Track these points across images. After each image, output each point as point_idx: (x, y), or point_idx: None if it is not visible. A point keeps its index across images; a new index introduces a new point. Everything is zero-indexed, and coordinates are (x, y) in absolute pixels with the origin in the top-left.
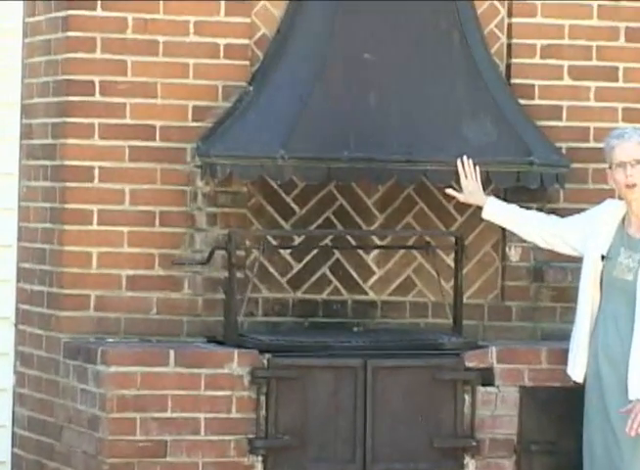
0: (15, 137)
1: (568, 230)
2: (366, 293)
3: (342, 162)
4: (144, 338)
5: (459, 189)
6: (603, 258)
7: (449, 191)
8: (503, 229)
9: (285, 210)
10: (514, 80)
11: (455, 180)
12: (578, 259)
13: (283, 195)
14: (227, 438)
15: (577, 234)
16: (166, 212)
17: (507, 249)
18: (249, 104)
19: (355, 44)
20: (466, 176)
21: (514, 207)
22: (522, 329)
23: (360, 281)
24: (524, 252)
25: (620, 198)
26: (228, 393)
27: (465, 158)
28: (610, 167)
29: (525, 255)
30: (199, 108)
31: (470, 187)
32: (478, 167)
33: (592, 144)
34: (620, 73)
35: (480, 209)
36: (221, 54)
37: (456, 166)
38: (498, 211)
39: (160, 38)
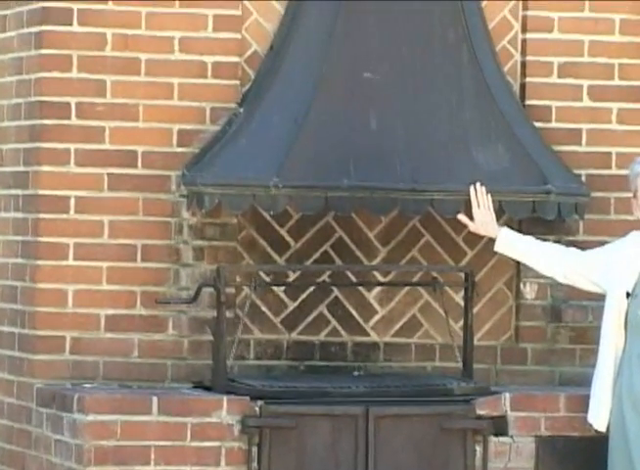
0: None
1: (589, 265)
2: (367, 334)
3: (341, 190)
4: (124, 383)
5: (470, 218)
6: (628, 295)
7: (461, 217)
8: (517, 264)
9: (279, 243)
10: (529, 101)
11: (465, 210)
12: (600, 297)
13: (276, 227)
14: None
15: (600, 269)
16: (149, 246)
17: (522, 285)
18: (239, 127)
19: (355, 61)
20: (478, 205)
21: (530, 238)
22: (538, 373)
23: (361, 321)
24: (540, 289)
25: None
26: (217, 443)
27: (478, 185)
28: (634, 196)
29: (542, 292)
30: (184, 132)
31: (482, 217)
32: (490, 196)
33: (614, 171)
34: None
35: (492, 241)
36: (209, 73)
37: (465, 195)
38: (512, 244)
39: (143, 56)
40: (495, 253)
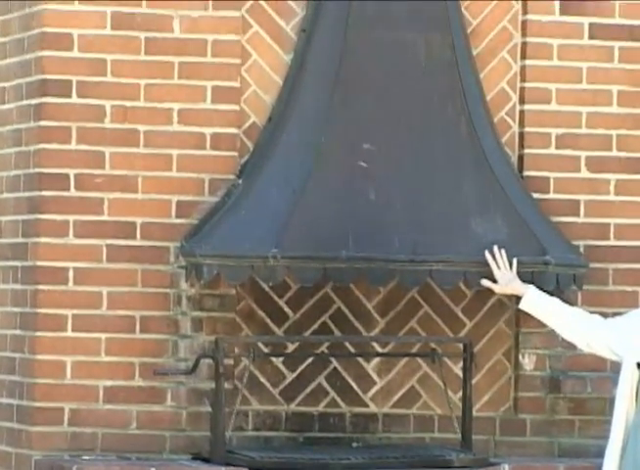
0: None
1: (609, 334)
2: (366, 405)
3: (339, 261)
4: (123, 455)
5: (465, 292)
6: (639, 365)
7: (484, 282)
8: (516, 335)
9: (277, 314)
10: (527, 172)
11: (463, 281)
12: (598, 369)
13: (275, 298)
14: None
15: (618, 338)
16: (148, 318)
17: (520, 356)
18: (238, 198)
19: (353, 132)
20: (499, 267)
21: (557, 301)
22: (537, 444)
23: (360, 392)
24: (538, 360)
25: None
26: None
27: (495, 248)
28: None
29: (541, 363)
30: (183, 203)
31: (506, 277)
32: (504, 255)
33: (612, 242)
34: None
35: (491, 312)
36: (208, 144)
37: (465, 266)
38: (539, 304)
39: (141, 127)
40: (493, 324)
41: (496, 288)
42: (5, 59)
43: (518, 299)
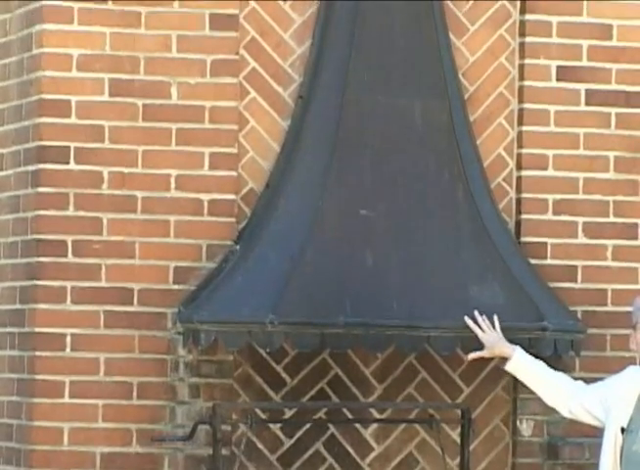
0: None
1: (591, 399)
2: None
3: (337, 327)
4: None
5: (463, 358)
6: (623, 430)
7: (473, 355)
8: (514, 401)
9: (275, 380)
10: (524, 238)
11: (461, 347)
12: (596, 435)
13: (273, 364)
14: None
15: (600, 404)
16: (145, 384)
17: (518, 422)
18: (235, 265)
19: (351, 198)
20: (483, 330)
21: (542, 364)
22: None
23: (358, 458)
24: (536, 426)
25: None
26: None
27: (477, 314)
28: (634, 329)
29: (538, 429)
30: (181, 269)
31: (491, 339)
32: (486, 318)
33: (610, 308)
34: None
35: (488, 378)
36: (205, 210)
37: (462, 333)
38: (524, 367)
39: (139, 194)
40: (492, 390)
41: (485, 353)
42: (3, 125)
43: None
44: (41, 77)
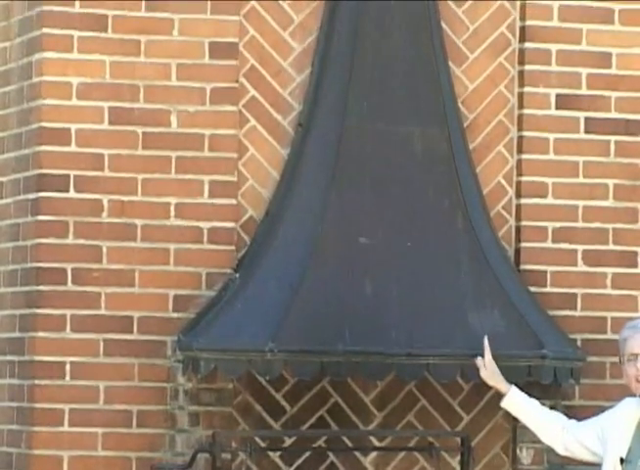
0: None
1: (586, 434)
2: None
3: (336, 355)
4: None
5: (462, 385)
6: (622, 461)
7: (478, 361)
8: (514, 429)
9: (274, 408)
10: (523, 266)
11: (460, 375)
12: (597, 463)
13: (272, 392)
14: None
15: (597, 437)
16: (145, 412)
17: (518, 450)
18: (235, 293)
19: (350, 226)
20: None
21: (536, 403)
22: None
23: None
24: (536, 454)
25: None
26: None
27: (485, 340)
28: (620, 362)
29: (538, 457)
30: (180, 297)
31: (492, 368)
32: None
33: (609, 335)
34: (639, 258)
35: (488, 406)
36: (205, 238)
37: (461, 360)
38: (519, 405)
39: (139, 222)
40: (491, 418)
41: (482, 372)
42: (3, 153)
43: None
44: (41, 105)
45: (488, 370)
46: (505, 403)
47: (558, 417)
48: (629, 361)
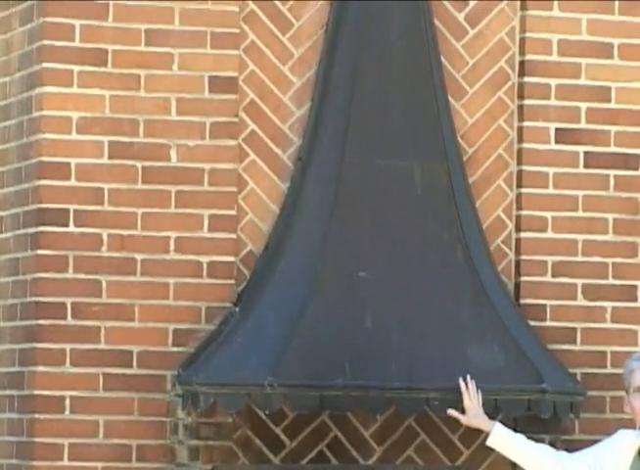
0: None
1: (577, 466)
2: None
3: (336, 389)
4: None
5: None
6: None
7: (451, 412)
8: (513, 464)
9: (274, 442)
10: (523, 300)
11: (460, 409)
12: None
13: (272, 426)
14: None
15: (588, 466)
16: (144, 446)
17: None
18: (234, 327)
19: (350, 261)
20: (470, 397)
21: (522, 438)
22: None
23: None
24: None
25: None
26: None
27: (468, 377)
28: (627, 393)
29: None
30: (180, 331)
31: (473, 409)
32: (479, 392)
33: (610, 370)
34: (639, 293)
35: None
36: (204, 273)
37: (460, 395)
38: (505, 441)
39: (138, 256)
40: (491, 452)
41: (463, 419)
42: (3, 188)
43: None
44: (41, 140)
45: (469, 414)
46: (490, 442)
47: (547, 451)
48: (636, 393)
